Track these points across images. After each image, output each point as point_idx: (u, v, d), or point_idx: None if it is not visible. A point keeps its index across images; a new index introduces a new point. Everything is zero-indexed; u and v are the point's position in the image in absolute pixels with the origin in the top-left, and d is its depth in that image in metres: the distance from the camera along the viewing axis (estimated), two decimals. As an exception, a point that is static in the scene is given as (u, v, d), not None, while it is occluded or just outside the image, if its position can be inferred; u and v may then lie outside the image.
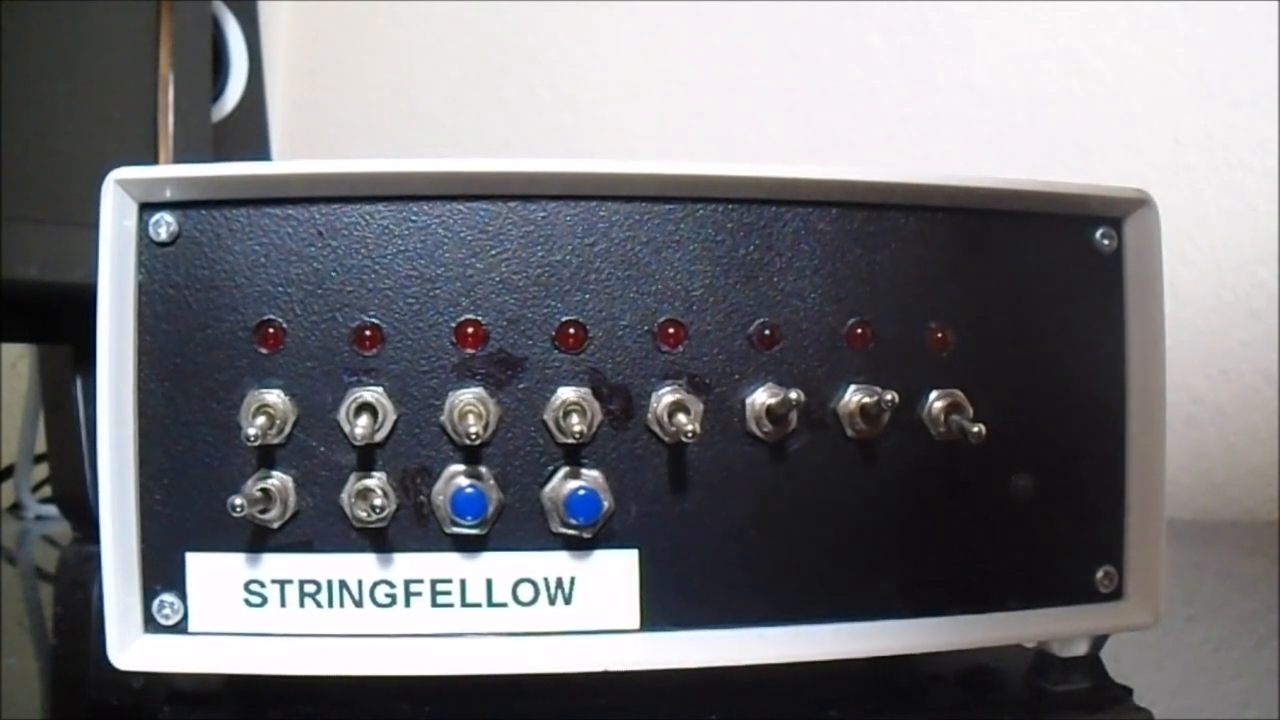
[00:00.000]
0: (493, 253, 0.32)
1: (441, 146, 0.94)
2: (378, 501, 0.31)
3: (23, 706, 0.34)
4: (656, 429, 0.32)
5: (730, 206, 0.33)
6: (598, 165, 0.32)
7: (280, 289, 0.32)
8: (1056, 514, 0.35)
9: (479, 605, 0.32)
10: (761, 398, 0.33)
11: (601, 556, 0.32)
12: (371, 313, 0.32)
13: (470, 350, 0.32)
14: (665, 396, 0.32)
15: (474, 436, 0.31)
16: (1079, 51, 0.82)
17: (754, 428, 0.33)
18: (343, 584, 0.32)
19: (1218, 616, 0.48)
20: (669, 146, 0.90)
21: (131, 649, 0.31)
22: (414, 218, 0.32)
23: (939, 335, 0.34)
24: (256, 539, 0.32)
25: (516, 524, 0.32)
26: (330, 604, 0.32)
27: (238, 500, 0.30)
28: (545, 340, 0.32)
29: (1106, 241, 0.35)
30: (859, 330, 0.33)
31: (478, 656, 0.32)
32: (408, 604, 0.32)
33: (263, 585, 0.32)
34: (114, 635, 0.31)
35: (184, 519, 0.31)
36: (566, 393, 0.32)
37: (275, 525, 0.31)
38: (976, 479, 0.34)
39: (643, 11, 0.92)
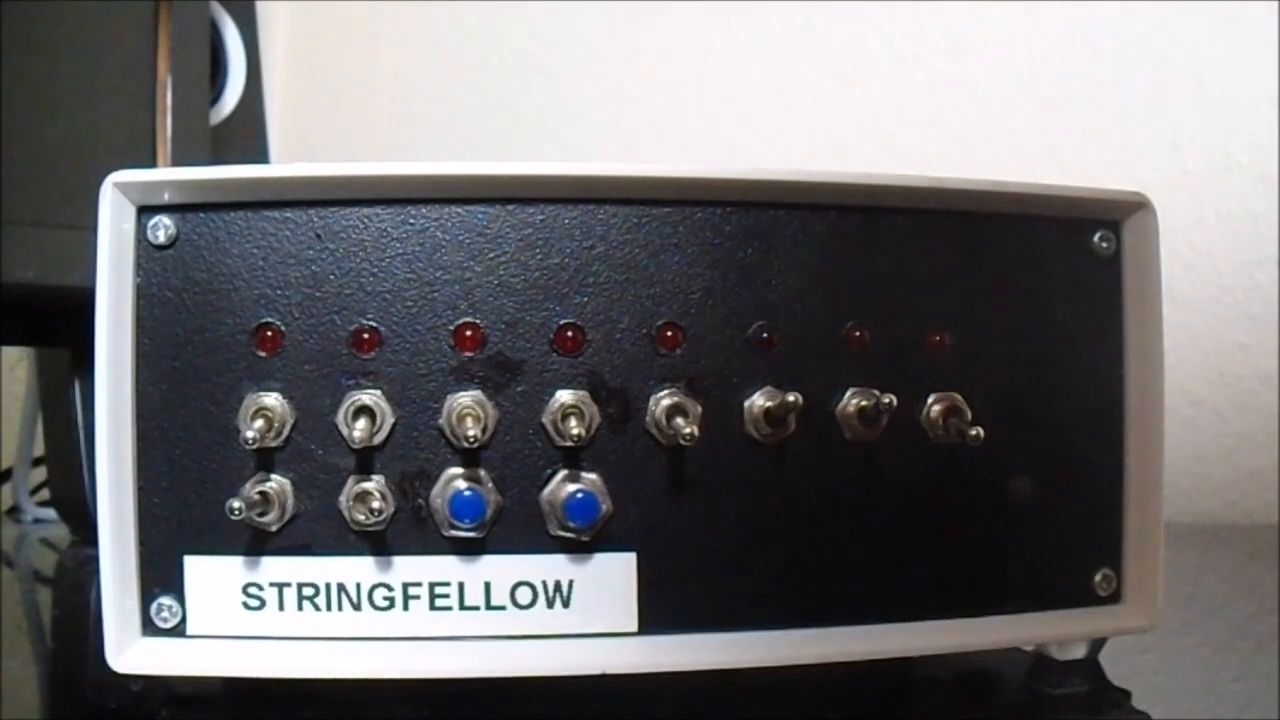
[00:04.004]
0: (491, 256, 0.32)
1: (440, 149, 0.94)
2: (376, 504, 0.31)
3: (21, 709, 0.34)
4: (655, 432, 0.32)
5: (728, 209, 0.33)
6: (596, 168, 0.32)
7: (278, 292, 0.32)
8: (1055, 517, 0.35)
9: (477, 608, 0.32)
10: (760, 401, 0.32)
11: (600, 559, 0.32)
12: (370, 315, 0.32)
13: (468, 353, 0.32)
14: (663, 399, 0.32)
15: (472, 439, 0.31)
16: (1077, 54, 0.82)
17: (752, 431, 0.33)
18: (341, 587, 0.32)
19: (1216, 620, 0.48)
20: (667, 149, 0.90)
21: (130, 652, 0.31)
22: (412, 221, 0.32)
23: (937, 338, 0.34)
24: (255, 542, 0.31)
25: (515, 527, 0.32)
26: (328, 607, 0.32)
27: (236, 503, 0.30)
28: (543, 343, 0.32)
29: (1105, 244, 0.35)
30: (857, 333, 0.33)
31: (476, 659, 0.32)
32: (406, 607, 0.32)
33: (261, 588, 0.32)
34: (112, 638, 0.31)
35: (182, 522, 0.31)
36: (565, 395, 0.32)
37: (273, 528, 0.31)
38: (975, 482, 0.34)
39: (641, 14, 0.92)
